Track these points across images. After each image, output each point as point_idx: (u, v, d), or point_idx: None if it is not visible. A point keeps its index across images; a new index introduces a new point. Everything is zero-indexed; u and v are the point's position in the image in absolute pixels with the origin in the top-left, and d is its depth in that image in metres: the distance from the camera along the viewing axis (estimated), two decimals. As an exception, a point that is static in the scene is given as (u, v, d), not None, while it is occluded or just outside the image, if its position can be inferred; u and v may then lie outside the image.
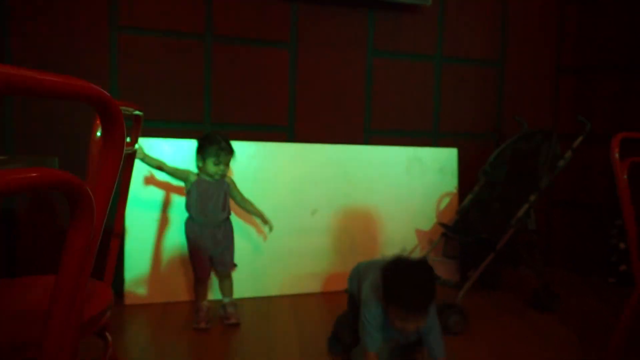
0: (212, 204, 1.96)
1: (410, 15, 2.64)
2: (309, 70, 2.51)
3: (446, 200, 2.67)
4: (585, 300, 2.41)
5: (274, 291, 2.35)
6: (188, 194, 1.98)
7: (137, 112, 1.08)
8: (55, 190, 0.43)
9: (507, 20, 2.83)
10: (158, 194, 2.22)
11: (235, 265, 2.07)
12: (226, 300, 2.06)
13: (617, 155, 1.55)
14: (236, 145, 2.13)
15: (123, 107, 0.98)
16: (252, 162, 2.34)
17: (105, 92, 0.45)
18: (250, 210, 2.09)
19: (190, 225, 1.99)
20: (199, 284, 2.04)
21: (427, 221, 2.61)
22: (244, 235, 2.27)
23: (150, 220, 2.22)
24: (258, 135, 2.42)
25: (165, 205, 2.23)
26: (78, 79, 0.42)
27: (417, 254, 2.54)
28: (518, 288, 2.53)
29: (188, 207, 1.98)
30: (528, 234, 2.27)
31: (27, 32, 2.11)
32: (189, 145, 2.25)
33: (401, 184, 2.57)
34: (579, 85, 2.93)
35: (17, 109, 2.13)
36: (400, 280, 1.29)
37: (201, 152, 1.95)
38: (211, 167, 1.93)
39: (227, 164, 1.96)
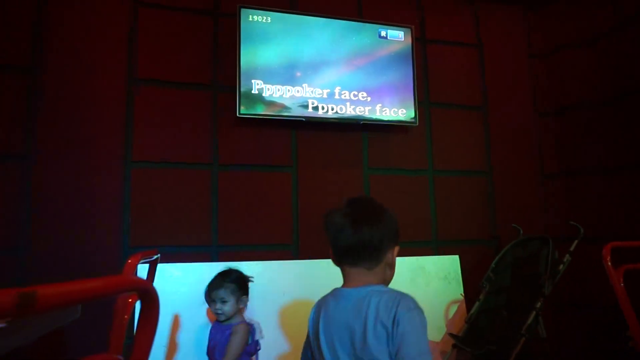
0: (215, 350, 1.86)
1: (400, 135, 2.87)
2: (310, 190, 2.67)
3: (453, 308, 2.66)
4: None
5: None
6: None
7: (155, 256, 1.17)
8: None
9: (489, 133, 3.07)
10: (166, 317, 2.23)
11: None
12: None
13: (609, 263, 1.62)
14: (243, 265, 2.19)
15: (146, 255, 1.07)
16: (259, 280, 2.38)
17: (147, 282, 0.54)
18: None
19: None
20: None
21: (436, 331, 2.58)
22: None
23: (158, 346, 2.20)
24: (264, 255, 2.50)
25: (174, 329, 2.23)
26: (124, 277, 0.51)
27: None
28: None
29: None
30: (539, 343, 2.25)
31: (48, 164, 2.29)
32: (198, 269, 2.32)
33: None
34: (565, 189, 3.07)
35: (35, 257, 2.23)
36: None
37: (205, 298, 1.95)
38: (211, 308, 1.90)
39: (223, 301, 1.86)
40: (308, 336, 1.21)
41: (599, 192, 2.89)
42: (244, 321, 1.91)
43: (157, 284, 2.25)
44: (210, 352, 1.89)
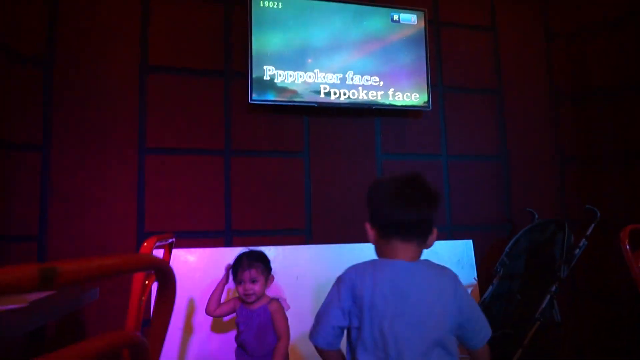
0: (250, 335, 1.81)
1: (413, 120, 2.85)
2: (322, 175, 2.67)
3: (467, 293, 2.66)
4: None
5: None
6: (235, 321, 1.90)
7: (171, 240, 1.19)
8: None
9: (504, 117, 3.03)
10: (182, 301, 2.27)
11: None
12: None
13: (627, 247, 1.60)
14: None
15: (161, 238, 1.09)
16: (273, 265, 2.40)
17: (164, 261, 0.55)
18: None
19: (237, 351, 1.87)
20: None
21: (450, 316, 2.58)
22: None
23: (174, 329, 2.25)
24: (277, 240, 2.52)
25: (190, 312, 2.27)
26: (140, 255, 0.52)
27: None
28: (553, 384, 2.42)
29: (235, 334, 1.90)
30: (554, 327, 2.24)
31: (65, 153, 2.32)
32: (212, 254, 2.35)
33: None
34: (583, 173, 3.03)
35: (53, 244, 2.27)
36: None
37: (233, 279, 1.89)
38: (240, 290, 1.84)
39: (253, 281, 1.83)
40: (339, 308, 1.12)
41: (618, 177, 2.84)
42: (272, 298, 1.90)
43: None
44: (248, 341, 1.82)
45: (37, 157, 2.29)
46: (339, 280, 1.15)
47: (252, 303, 1.86)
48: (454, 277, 1.16)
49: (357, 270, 1.15)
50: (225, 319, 2.15)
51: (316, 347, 1.17)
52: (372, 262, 1.16)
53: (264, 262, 1.90)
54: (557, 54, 3.16)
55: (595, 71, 2.98)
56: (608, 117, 2.90)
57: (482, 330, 1.16)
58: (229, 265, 1.92)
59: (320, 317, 1.15)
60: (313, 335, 1.16)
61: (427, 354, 1.06)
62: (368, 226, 1.17)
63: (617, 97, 2.85)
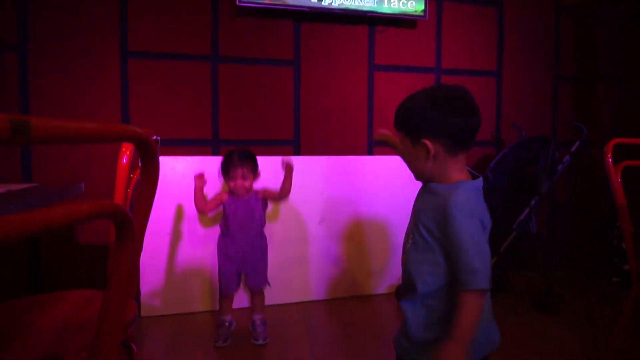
0: (242, 221, 1.98)
1: (408, 30, 2.73)
2: (312, 86, 2.60)
3: (450, 207, 2.73)
4: (589, 301, 2.46)
5: (283, 299, 2.42)
6: (223, 212, 2.02)
7: (155, 137, 1.16)
8: (106, 219, 0.51)
9: (503, 31, 2.91)
10: (170, 208, 2.30)
11: (268, 284, 2.06)
12: (256, 316, 2.05)
13: (610, 160, 1.62)
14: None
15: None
16: (261, 175, 2.42)
17: (144, 133, 0.53)
18: (286, 189, 2.06)
19: (220, 240, 2.03)
20: (223, 299, 2.03)
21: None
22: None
23: (162, 234, 2.30)
24: (266, 150, 2.51)
25: (177, 218, 2.31)
26: (121, 125, 0.50)
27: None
28: (524, 290, 2.58)
29: (220, 223, 2.03)
30: (531, 237, 2.34)
31: (43, 55, 2.22)
32: (200, 162, 2.34)
33: (406, 192, 2.63)
34: (576, 93, 3.00)
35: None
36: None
37: (223, 174, 2.00)
38: (231, 185, 1.97)
39: (244, 177, 1.96)
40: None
41: (612, 99, 2.83)
42: (257, 189, 2.05)
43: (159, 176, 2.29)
44: (234, 227, 1.97)
45: (13, 58, 2.18)
46: (472, 213, 1.02)
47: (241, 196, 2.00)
48: None
49: (473, 190, 1.06)
50: (211, 214, 2.23)
51: (483, 291, 0.97)
52: (475, 187, 1.07)
53: (253, 161, 2.01)
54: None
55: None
56: (613, 33, 2.82)
57: None
58: (198, 173, 2.00)
59: (483, 258, 0.98)
60: (483, 279, 0.95)
61: None
62: (428, 142, 1.04)
63: (627, 11, 2.75)
